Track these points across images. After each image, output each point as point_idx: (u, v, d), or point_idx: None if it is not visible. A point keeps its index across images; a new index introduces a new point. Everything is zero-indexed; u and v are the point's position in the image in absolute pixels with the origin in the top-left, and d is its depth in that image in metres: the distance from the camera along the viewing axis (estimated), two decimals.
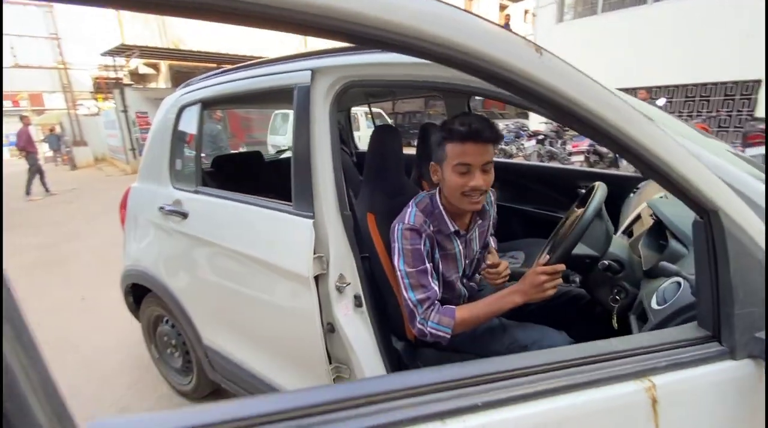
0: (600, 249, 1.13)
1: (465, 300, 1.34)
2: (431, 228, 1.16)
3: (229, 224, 1.45)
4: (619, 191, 2.14)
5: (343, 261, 1.22)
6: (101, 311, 2.96)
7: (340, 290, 1.21)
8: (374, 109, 10.72)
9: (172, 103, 1.75)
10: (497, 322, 1.24)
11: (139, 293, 1.99)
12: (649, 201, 1.21)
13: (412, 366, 1.36)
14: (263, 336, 1.46)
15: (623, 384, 0.52)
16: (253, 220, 1.37)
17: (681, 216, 1.06)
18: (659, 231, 1.25)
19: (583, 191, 2.27)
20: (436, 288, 1.14)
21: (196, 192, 1.58)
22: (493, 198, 1.40)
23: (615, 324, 1.11)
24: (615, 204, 2.16)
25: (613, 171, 2.37)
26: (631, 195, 2.03)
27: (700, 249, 0.61)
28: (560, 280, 1.05)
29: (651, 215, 1.40)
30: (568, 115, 0.47)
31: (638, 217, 1.53)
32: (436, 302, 1.13)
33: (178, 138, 1.72)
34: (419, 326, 1.12)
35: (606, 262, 1.10)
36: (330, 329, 1.25)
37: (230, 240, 1.42)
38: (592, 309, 1.35)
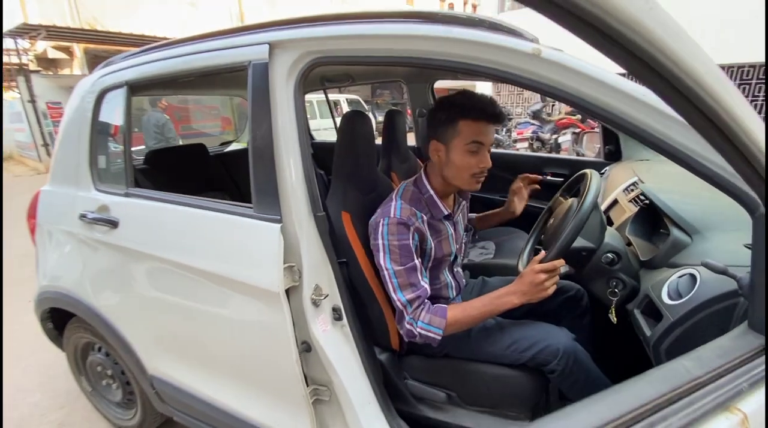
0: (596, 240, 1.07)
1: (454, 292, 1.23)
2: (423, 216, 1.07)
3: (172, 232, 1.20)
4: None
5: (318, 271, 1.05)
6: (15, 340, 2.50)
7: (316, 303, 1.04)
8: (352, 96, 10.34)
9: (89, 88, 1.43)
10: (492, 322, 1.14)
11: (60, 318, 1.66)
12: (643, 187, 1.17)
13: (397, 377, 1.23)
14: (224, 362, 1.25)
15: (714, 421, 0.42)
16: (202, 227, 1.14)
17: (680, 203, 1.02)
18: (647, 218, 1.23)
19: (549, 177, 2.30)
20: (426, 285, 1.04)
21: (127, 195, 1.31)
22: None
23: (614, 318, 1.06)
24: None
25: (576, 157, 2.38)
26: None
27: (762, 246, 0.53)
28: (558, 278, 0.98)
29: (632, 200, 1.38)
30: (669, 85, 0.35)
31: (614, 203, 1.52)
32: (426, 301, 1.04)
33: (100, 130, 1.42)
34: (408, 326, 1.02)
35: (610, 256, 1.03)
36: (306, 348, 1.08)
37: (175, 252, 1.18)
38: (580, 301, 1.31)
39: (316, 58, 0.97)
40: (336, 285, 1.08)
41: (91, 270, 1.43)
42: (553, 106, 9.37)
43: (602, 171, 2.05)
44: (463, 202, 1.25)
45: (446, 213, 1.11)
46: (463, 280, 1.30)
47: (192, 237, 1.16)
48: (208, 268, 1.11)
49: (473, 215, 1.52)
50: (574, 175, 1.25)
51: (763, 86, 7.71)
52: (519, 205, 1.38)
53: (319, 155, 2.98)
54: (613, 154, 2.03)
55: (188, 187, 1.66)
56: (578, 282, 1.29)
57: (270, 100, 1.00)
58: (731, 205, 1.11)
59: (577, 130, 7.58)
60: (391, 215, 1.03)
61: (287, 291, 1.03)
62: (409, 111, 2.63)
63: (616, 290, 1.04)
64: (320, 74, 2.19)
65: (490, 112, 0.99)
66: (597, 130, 2.35)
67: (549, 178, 2.23)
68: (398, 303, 1.03)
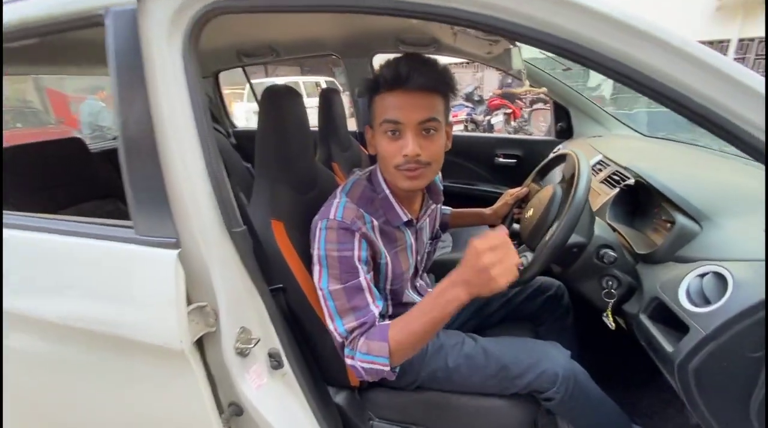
0: (586, 233, 0.89)
1: None
2: (374, 221, 0.81)
3: (15, 272, 0.82)
4: (535, 156, 2.06)
5: (243, 307, 0.76)
6: None
7: (243, 353, 0.75)
8: (329, 78, 9.01)
9: None
10: (473, 344, 0.93)
11: None
12: (634, 166, 1.01)
13: (360, 420, 0.99)
14: None
15: None
16: (60, 261, 0.78)
17: (682, 184, 0.88)
18: (628, 201, 1.09)
19: (501, 159, 2.16)
20: (376, 310, 0.77)
21: None
22: (439, 176, 1.07)
23: (611, 324, 0.90)
24: (530, 170, 2.07)
25: (527, 136, 2.26)
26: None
27: None
28: (516, 258, 0.65)
29: (605, 181, 1.25)
30: None
31: None
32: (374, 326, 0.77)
33: None
34: (348, 360, 0.77)
35: (612, 254, 0.86)
36: (236, 412, 0.79)
37: (20, 301, 0.80)
38: (561, 299, 1.16)
39: (214, 2, 0.65)
40: (271, 323, 0.80)
41: None
42: (483, 87, 9.54)
43: (555, 149, 1.95)
44: (433, 206, 0.99)
45: (405, 219, 0.86)
46: (430, 290, 1.08)
47: (46, 277, 0.79)
48: (73, 322, 0.75)
49: (448, 210, 1.27)
50: (550, 157, 1.08)
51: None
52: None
53: (247, 147, 2.58)
54: (564, 132, 1.93)
55: (60, 198, 1.24)
56: (560, 279, 1.13)
57: (145, 66, 0.67)
58: (737, 183, 1.01)
59: (508, 111, 7.81)
60: (331, 216, 0.77)
61: (200, 341, 0.73)
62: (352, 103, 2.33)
63: (612, 291, 0.88)
64: (236, 47, 1.82)
65: (397, 76, 0.70)
66: (543, 107, 2.25)
67: (501, 160, 2.10)
68: (335, 335, 0.77)
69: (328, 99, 1.61)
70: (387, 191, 0.84)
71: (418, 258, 0.97)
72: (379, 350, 0.72)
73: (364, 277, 0.77)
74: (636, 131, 1.79)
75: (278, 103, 0.93)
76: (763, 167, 1.07)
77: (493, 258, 0.62)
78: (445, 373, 0.90)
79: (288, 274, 0.85)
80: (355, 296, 0.76)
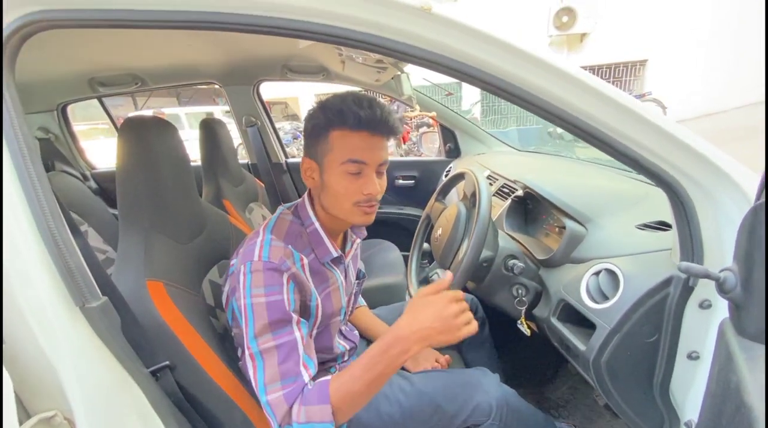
0: (493, 247, 0.92)
1: (348, 355, 0.92)
2: (303, 258, 0.76)
3: None
4: (430, 175, 2.16)
5: (112, 404, 0.58)
6: None
7: None
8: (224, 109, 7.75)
9: None
10: (408, 389, 0.86)
11: None
12: (523, 179, 1.09)
13: None
14: None
15: None
16: None
17: (565, 192, 0.97)
18: (519, 211, 1.18)
19: (400, 181, 2.21)
20: (307, 374, 0.68)
21: None
22: None
23: (527, 330, 0.94)
24: (427, 189, 2.17)
25: (422, 158, 2.36)
26: (443, 177, 2.06)
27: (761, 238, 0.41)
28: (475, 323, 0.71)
29: (497, 194, 1.34)
30: None
31: None
32: (304, 389, 0.67)
33: None
34: None
35: (520, 264, 0.90)
36: None
37: None
38: (476, 313, 1.18)
39: (31, 15, 0.50)
40: (156, 415, 0.62)
41: None
42: None
43: (447, 168, 2.07)
44: (357, 241, 0.93)
45: (336, 255, 0.80)
46: (356, 332, 1.00)
47: None
48: None
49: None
50: (449, 176, 1.11)
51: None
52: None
53: (112, 190, 2.19)
54: (453, 151, 2.07)
55: None
56: (472, 294, 1.15)
57: None
58: (604, 186, 1.14)
59: None
60: (255, 258, 0.69)
61: None
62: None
63: (523, 298, 0.92)
64: (87, 75, 1.53)
65: (372, 119, 0.70)
66: (433, 129, 2.39)
67: (401, 181, 2.15)
68: (265, 407, 0.66)
69: (210, 130, 1.45)
70: (317, 224, 0.78)
71: (346, 298, 0.90)
72: (321, 414, 0.64)
73: (299, 328, 0.70)
74: (511, 147, 2.00)
75: (144, 136, 0.77)
76: (621, 171, 1.26)
77: (459, 309, 0.66)
78: (378, 425, 0.82)
79: (175, 346, 0.69)
80: (288, 358, 0.67)
